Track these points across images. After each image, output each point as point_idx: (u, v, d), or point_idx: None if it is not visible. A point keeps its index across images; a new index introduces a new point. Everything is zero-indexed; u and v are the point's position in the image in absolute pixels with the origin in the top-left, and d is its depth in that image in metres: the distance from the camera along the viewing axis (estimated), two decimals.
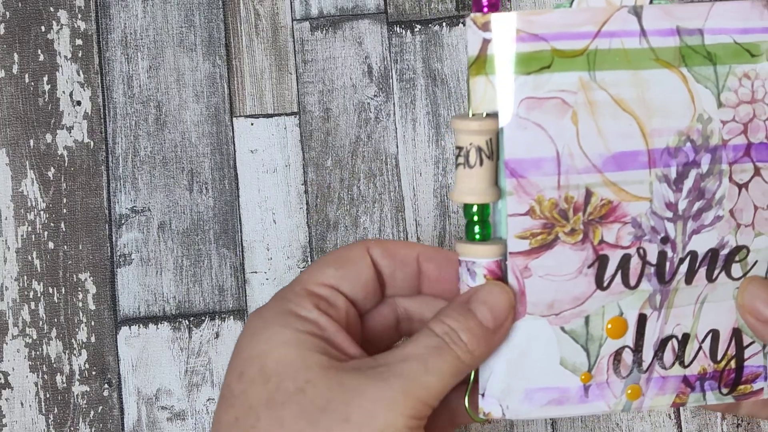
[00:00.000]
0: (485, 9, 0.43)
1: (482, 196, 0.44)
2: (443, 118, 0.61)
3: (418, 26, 0.62)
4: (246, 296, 0.61)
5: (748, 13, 0.45)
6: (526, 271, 0.45)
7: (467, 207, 0.45)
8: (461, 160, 0.44)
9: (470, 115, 0.44)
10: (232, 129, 0.62)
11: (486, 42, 0.43)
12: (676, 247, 0.45)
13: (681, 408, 0.60)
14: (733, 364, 0.47)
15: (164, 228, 0.61)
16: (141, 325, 0.60)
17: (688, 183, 0.45)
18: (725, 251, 0.46)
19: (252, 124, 0.62)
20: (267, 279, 0.61)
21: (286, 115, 0.62)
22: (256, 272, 0.61)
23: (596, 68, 0.44)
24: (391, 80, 0.62)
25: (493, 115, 0.44)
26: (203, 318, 0.60)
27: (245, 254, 0.61)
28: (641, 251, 0.45)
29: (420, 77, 0.62)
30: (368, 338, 0.48)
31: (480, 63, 0.44)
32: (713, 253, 0.46)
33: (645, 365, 0.46)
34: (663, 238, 0.45)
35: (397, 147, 0.62)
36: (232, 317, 0.61)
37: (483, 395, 0.46)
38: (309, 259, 0.61)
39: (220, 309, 0.61)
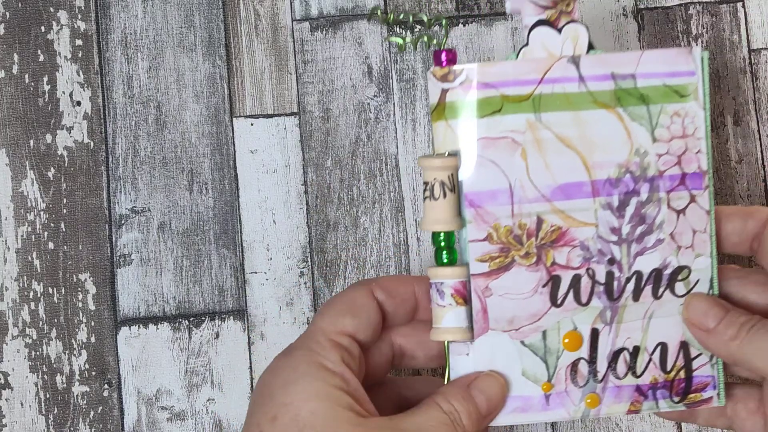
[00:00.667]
0: (444, 63, 0.50)
1: (447, 224, 0.50)
2: None
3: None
4: (246, 296, 0.61)
5: (674, 59, 0.50)
6: (487, 290, 0.50)
7: (435, 235, 0.51)
8: (427, 193, 0.50)
9: (434, 154, 0.51)
10: (232, 129, 0.62)
11: (444, 92, 0.50)
12: (622, 267, 0.51)
13: None
14: (682, 374, 0.52)
15: (164, 228, 0.61)
16: (141, 326, 0.60)
17: (630, 210, 0.50)
18: (668, 271, 0.51)
19: (252, 124, 0.62)
20: (267, 279, 0.61)
21: (286, 115, 0.62)
22: (256, 272, 0.61)
23: (541, 110, 0.50)
24: (391, 80, 0.62)
25: (454, 154, 0.50)
26: (203, 318, 0.61)
27: (245, 254, 0.61)
28: (590, 271, 0.51)
29: (420, 77, 0.63)
30: (366, 372, 0.53)
31: (440, 110, 0.50)
32: (657, 273, 0.51)
33: (600, 375, 0.52)
34: (610, 260, 0.51)
35: (397, 147, 0.62)
36: (232, 317, 0.61)
37: None
38: (309, 260, 0.61)
39: (220, 309, 0.61)
